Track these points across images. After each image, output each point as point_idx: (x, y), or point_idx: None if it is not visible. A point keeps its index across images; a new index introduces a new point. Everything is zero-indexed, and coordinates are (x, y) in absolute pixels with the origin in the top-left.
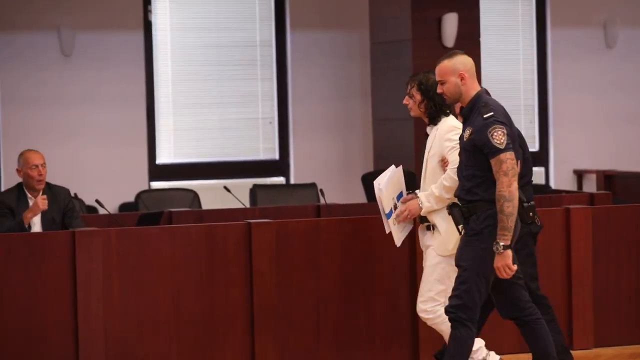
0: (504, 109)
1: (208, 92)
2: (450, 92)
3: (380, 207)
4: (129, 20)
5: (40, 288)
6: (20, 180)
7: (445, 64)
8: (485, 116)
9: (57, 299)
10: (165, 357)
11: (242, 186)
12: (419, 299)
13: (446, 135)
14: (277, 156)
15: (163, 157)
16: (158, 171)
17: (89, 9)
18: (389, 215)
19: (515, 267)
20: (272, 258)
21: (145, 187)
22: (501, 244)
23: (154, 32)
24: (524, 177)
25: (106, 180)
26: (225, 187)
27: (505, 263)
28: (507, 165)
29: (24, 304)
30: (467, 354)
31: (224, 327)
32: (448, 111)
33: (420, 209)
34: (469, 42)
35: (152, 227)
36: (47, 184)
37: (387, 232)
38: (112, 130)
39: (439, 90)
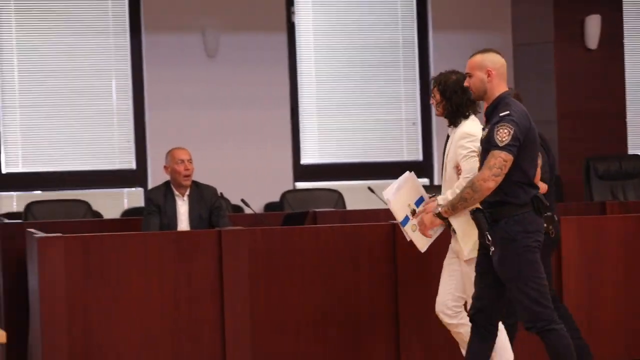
0: (525, 112)
1: (351, 93)
2: (475, 87)
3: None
4: (272, 21)
5: (187, 286)
6: (168, 178)
7: (476, 58)
8: (501, 114)
9: (204, 297)
10: (311, 356)
11: (386, 187)
12: (438, 299)
13: (459, 142)
14: (420, 157)
15: (307, 158)
16: (303, 171)
17: (233, 11)
18: (403, 223)
19: (429, 234)
20: (417, 258)
21: (290, 187)
22: (440, 210)
23: (297, 33)
24: (545, 182)
25: (251, 180)
26: (369, 188)
27: (426, 225)
28: (496, 162)
29: (171, 302)
30: (569, 353)
31: (369, 326)
32: (468, 114)
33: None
34: (613, 44)
35: (297, 227)
36: (195, 182)
37: (407, 240)
38: (257, 130)
39: (465, 84)
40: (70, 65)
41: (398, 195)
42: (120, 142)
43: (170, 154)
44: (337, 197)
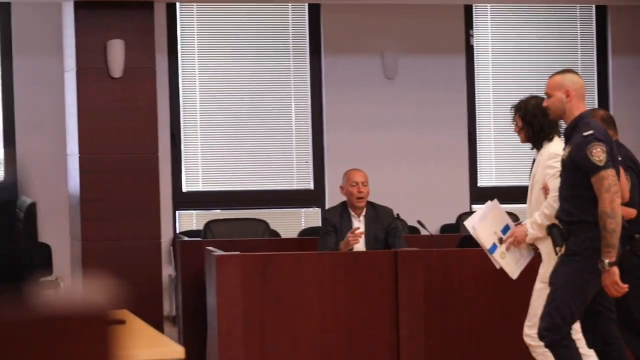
0: (605, 130)
1: None
2: (554, 107)
3: (481, 245)
4: (450, 44)
5: (363, 305)
6: (345, 198)
7: (555, 78)
8: (585, 134)
9: (380, 317)
10: None
11: None
12: (526, 323)
13: (547, 162)
14: None
15: (484, 180)
16: (479, 193)
17: (412, 33)
18: (491, 251)
19: (625, 286)
20: None
21: (467, 209)
22: (606, 261)
23: (475, 56)
24: (634, 207)
25: (428, 202)
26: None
27: (613, 280)
28: (609, 182)
29: (347, 321)
30: None
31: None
32: (551, 136)
33: (526, 235)
34: None
35: (473, 249)
36: (371, 203)
37: (497, 267)
38: (434, 152)
39: (544, 104)
40: (250, 86)
41: (483, 224)
42: (298, 163)
43: (346, 175)
44: (514, 220)
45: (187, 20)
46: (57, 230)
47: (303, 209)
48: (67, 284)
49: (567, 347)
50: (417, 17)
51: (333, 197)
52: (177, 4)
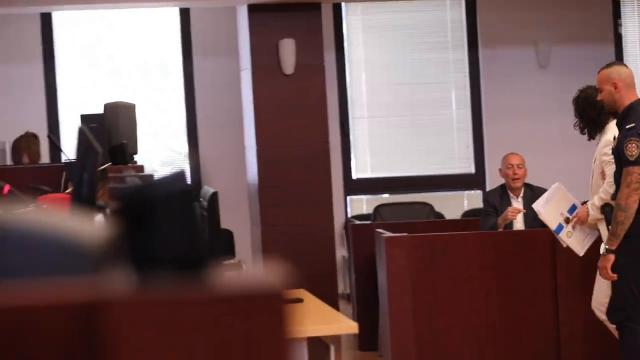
0: None
1: None
2: (605, 100)
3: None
4: (600, 33)
5: (523, 282)
6: (503, 181)
7: (602, 73)
8: (627, 127)
9: (540, 293)
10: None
11: None
12: (593, 296)
13: (603, 150)
14: None
15: None
16: None
17: (563, 24)
18: (557, 231)
19: (613, 275)
20: None
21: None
22: (606, 247)
23: (624, 45)
24: None
25: (582, 186)
26: None
27: (604, 265)
28: (632, 178)
29: (508, 297)
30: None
31: None
32: (604, 124)
33: (588, 215)
34: None
35: None
36: (528, 185)
37: (564, 246)
38: (585, 138)
39: (598, 98)
40: (413, 78)
41: (548, 206)
42: (460, 149)
43: (504, 158)
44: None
45: (353, 19)
46: (238, 217)
47: (465, 192)
48: (249, 266)
49: (630, 330)
50: (567, 8)
51: (493, 180)
52: (343, 4)
